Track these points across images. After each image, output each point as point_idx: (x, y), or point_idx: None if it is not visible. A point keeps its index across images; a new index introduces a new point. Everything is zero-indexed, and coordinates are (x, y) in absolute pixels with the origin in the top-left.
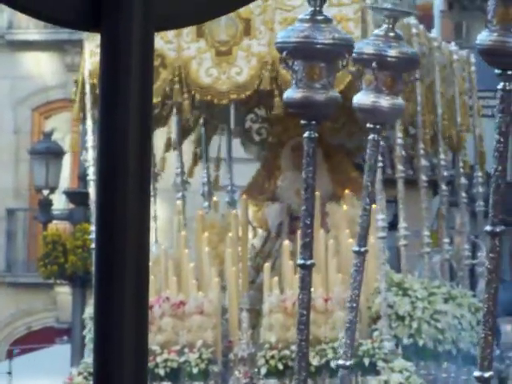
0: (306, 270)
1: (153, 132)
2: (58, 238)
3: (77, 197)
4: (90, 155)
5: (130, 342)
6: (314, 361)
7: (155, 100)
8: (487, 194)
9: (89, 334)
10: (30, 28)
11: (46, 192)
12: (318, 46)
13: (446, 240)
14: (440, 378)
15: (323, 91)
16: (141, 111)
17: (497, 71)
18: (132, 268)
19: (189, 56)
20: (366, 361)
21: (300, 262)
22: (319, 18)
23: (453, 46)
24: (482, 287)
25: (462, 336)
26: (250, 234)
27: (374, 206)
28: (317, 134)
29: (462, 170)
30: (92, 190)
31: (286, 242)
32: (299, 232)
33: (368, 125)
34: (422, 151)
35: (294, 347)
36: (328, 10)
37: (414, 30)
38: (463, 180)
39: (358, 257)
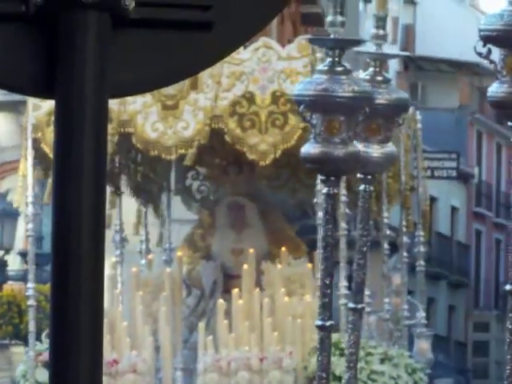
0: (326, 332)
1: (105, 193)
2: (13, 299)
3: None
4: (30, 211)
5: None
6: None
7: None
8: (428, 253)
9: None
10: None
11: (0, 253)
12: (338, 100)
13: (386, 300)
14: None
15: (342, 146)
16: (95, 177)
17: (510, 124)
18: (87, 323)
19: (134, 110)
20: None
21: (318, 323)
22: (338, 69)
23: None
24: (418, 348)
25: None
26: (184, 293)
27: (309, 265)
28: (336, 191)
29: (404, 229)
30: (31, 248)
31: (221, 301)
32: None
33: (358, 175)
34: None
35: None
36: (277, 64)
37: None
38: (405, 239)
39: (354, 314)
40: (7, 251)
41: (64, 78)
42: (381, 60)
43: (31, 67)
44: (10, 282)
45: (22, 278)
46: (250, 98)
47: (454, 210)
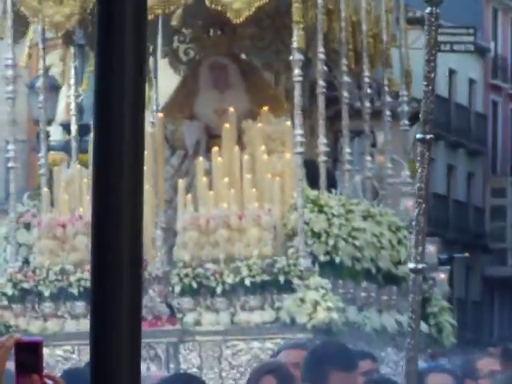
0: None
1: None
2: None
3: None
4: (11, 74)
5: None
6: (229, 279)
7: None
8: (411, 113)
9: (3, 253)
10: None
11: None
12: None
13: (368, 158)
14: (359, 296)
15: None
16: (136, 45)
17: None
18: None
19: None
20: (281, 278)
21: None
22: None
23: None
24: (404, 206)
25: (382, 255)
26: (168, 153)
27: (288, 122)
28: None
29: (387, 88)
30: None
31: (200, 159)
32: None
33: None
34: (344, 67)
35: (208, 265)
36: None
37: None
38: (388, 98)
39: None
40: (49, 123)
41: None
42: None
43: None
44: (52, 152)
45: (64, 148)
46: None
47: (471, 82)
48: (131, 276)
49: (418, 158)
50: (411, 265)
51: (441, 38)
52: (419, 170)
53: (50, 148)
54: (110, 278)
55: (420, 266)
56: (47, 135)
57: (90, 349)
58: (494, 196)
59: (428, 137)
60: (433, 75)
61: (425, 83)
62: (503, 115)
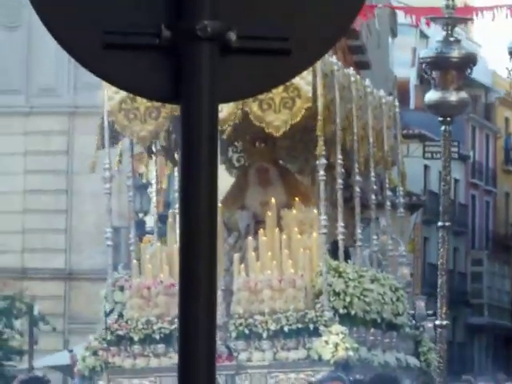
0: None
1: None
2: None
3: (162, 217)
4: (107, 175)
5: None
6: (272, 326)
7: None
8: (406, 203)
9: (103, 309)
10: None
11: (141, 215)
12: None
13: (374, 237)
14: (368, 339)
15: None
16: (210, 157)
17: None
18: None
19: None
20: (311, 326)
21: None
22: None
23: (382, 92)
24: (401, 273)
25: (385, 308)
26: (226, 234)
27: (315, 210)
28: None
29: (387, 185)
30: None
31: (250, 239)
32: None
33: (439, 118)
34: (356, 170)
35: (256, 317)
36: None
37: (352, 78)
38: (388, 192)
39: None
40: (145, 213)
41: (186, 89)
42: (452, 25)
43: (163, 82)
44: (147, 235)
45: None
46: None
47: (456, 181)
48: (207, 324)
49: (439, 240)
50: (437, 322)
51: (434, 149)
52: (441, 250)
53: (146, 232)
54: (191, 328)
55: (445, 322)
56: (144, 222)
57: (178, 378)
58: (473, 265)
59: (447, 224)
60: (448, 178)
61: (443, 183)
62: (480, 205)
